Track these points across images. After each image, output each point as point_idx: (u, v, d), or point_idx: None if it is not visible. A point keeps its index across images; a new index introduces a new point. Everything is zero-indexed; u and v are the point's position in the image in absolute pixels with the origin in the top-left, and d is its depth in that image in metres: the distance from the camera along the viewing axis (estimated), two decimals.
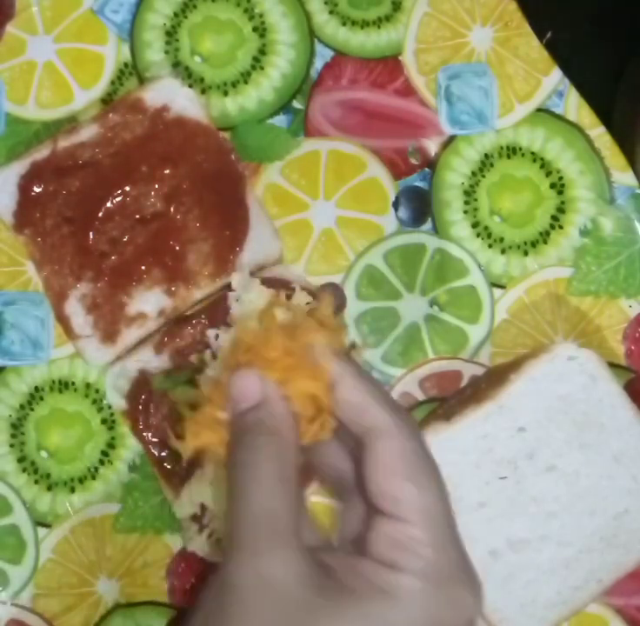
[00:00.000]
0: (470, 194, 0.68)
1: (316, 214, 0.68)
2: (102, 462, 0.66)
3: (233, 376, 0.46)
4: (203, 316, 0.63)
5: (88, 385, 0.66)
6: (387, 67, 0.68)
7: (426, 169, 0.68)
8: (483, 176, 0.68)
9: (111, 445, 0.66)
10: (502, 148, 0.68)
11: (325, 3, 0.68)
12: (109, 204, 0.64)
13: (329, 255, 0.68)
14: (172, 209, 0.64)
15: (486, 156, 0.68)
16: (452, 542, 0.42)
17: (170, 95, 0.65)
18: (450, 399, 0.66)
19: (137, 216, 0.64)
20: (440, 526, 0.42)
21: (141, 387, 0.63)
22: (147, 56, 0.68)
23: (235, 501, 0.42)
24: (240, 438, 0.44)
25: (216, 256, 0.64)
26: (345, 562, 0.42)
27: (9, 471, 0.66)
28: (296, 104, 0.68)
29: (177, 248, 0.64)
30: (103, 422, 0.66)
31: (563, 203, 0.68)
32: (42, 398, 0.66)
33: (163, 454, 0.63)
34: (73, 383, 0.66)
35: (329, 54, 0.68)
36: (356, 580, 0.40)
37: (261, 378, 0.45)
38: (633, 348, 0.67)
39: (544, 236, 0.68)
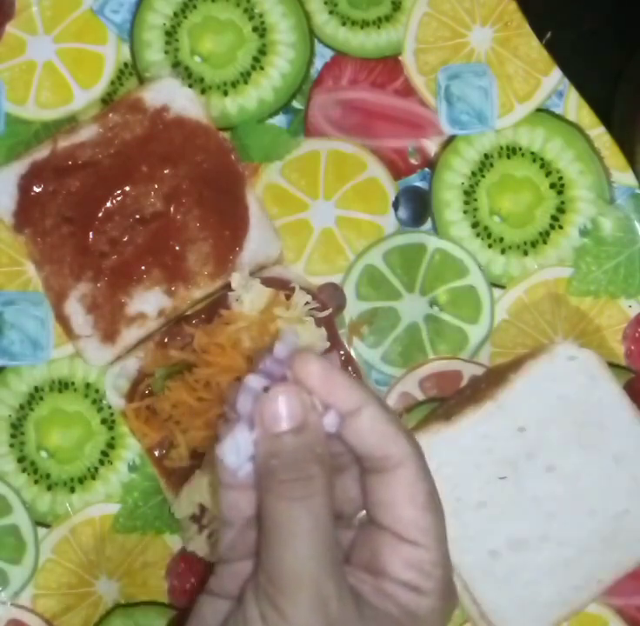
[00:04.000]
0: (469, 194, 0.68)
1: (316, 214, 0.68)
2: (102, 462, 0.66)
3: (272, 391, 0.42)
4: (203, 316, 0.63)
5: (88, 385, 0.66)
6: (387, 67, 0.68)
7: (426, 169, 0.68)
8: (483, 176, 0.68)
9: (111, 445, 0.66)
10: (502, 148, 0.68)
11: (325, 3, 0.68)
12: (109, 204, 0.64)
13: (329, 255, 0.68)
14: (172, 209, 0.64)
15: (486, 156, 0.68)
16: (448, 559, 0.44)
17: (170, 95, 0.65)
18: (450, 399, 0.66)
19: (137, 216, 0.64)
20: (444, 547, 0.44)
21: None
22: (147, 56, 0.68)
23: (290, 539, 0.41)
24: (286, 465, 0.41)
25: (216, 256, 0.64)
26: (369, 583, 0.43)
27: (9, 471, 0.66)
28: (296, 104, 0.68)
29: (177, 248, 0.64)
30: (103, 422, 0.66)
31: (562, 203, 0.68)
32: (42, 398, 0.66)
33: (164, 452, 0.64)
34: (73, 383, 0.66)
35: (329, 54, 0.68)
36: (385, 601, 0.42)
37: (303, 396, 0.42)
38: (633, 348, 0.67)
39: (544, 236, 0.68)
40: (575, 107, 0.68)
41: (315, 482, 0.41)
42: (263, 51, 0.68)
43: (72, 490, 0.66)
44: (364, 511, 0.45)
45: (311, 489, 0.41)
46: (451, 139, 0.68)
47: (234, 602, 0.44)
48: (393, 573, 0.43)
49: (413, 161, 0.68)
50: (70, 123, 0.66)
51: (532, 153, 0.68)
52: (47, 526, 0.66)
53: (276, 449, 0.42)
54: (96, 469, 0.66)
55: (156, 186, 0.64)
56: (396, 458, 0.43)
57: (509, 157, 0.68)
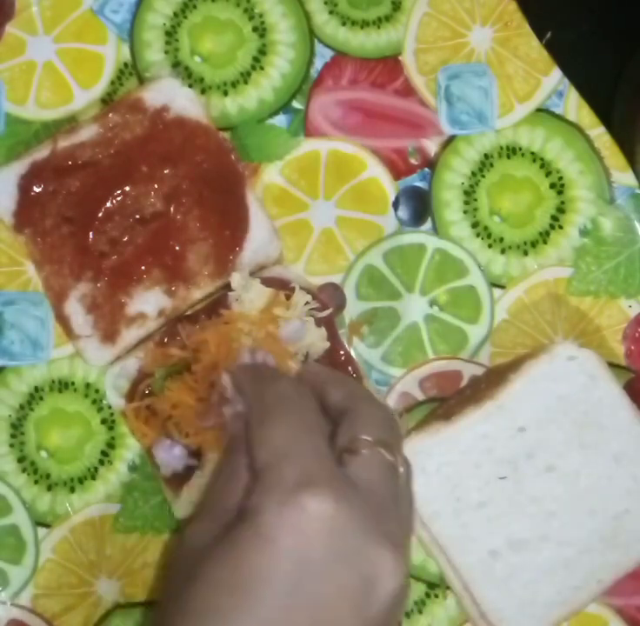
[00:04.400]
0: (469, 194, 0.68)
1: (315, 214, 0.68)
2: (102, 462, 0.66)
3: None
4: (203, 316, 0.63)
5: (88, 385, 0.66)
6: (387, 67, 0.68)
7: (426, 169, 0.68)
8: (483, 176, 0.68)
9: (111, 445, 0.66)
10: (501, 148, 0.68)
11: (325, 3, 0.68)
12: (109, 204, 0.64)
13: (329, 255, 0.68)
14: (172, 209, 0.64)
15: (486, 156, 0.68)
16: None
17: (170, 95, 0.65)
18: (450, 399, 0.66)
19: (137, 216, 0.64)
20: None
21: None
22: (147, 56, 0.68)
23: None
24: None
25: (216, 256, 0.64)
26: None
27: (9, 471, 0.66)
28: (296, 104, 0.68)
29: (177, 248, 0.64)
30: (103, 422, 0.66)
31: (562, 203, 0.68)
32: (42, 398, 0.66)
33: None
34: (73, 383, 0.66)
35: (329, 54, 0.68)
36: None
37: None
38: (633, 348, 0.67)
39: (544, 236, 0.68)
40: (575, 107, 0.68)
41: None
42: (263, 51, 0.68)
43: (72, 490, 0.66)
44: None
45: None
46: (451, 139, 0.68)
47: None
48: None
49: (413, 161, 0.68)
50: (70, 123, 0.66)
51: (532, 153, 0.68)
52: (47, 526, 0.66)
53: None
54: (96, 469, 0.66)
55: (156, 186, 0.64)
56: None
57: (509, 157, 0.68)
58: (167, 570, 0.51)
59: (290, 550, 0.45)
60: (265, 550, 0.46)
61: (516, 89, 0.68)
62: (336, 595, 0.46)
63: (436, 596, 0.66)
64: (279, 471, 0.47)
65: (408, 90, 0.68)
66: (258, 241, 0.65)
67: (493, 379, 0.65)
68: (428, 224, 0.68)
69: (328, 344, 0.63)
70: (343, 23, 0.68)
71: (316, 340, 0.62)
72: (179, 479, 0.62)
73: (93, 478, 0.66)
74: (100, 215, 0.64)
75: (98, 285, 0.64)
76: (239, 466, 0.51)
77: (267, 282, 0.63)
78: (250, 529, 0.46)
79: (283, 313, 0.62)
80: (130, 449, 0.66)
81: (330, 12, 0.68)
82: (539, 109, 0.68)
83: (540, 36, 0.68)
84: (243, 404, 0.55)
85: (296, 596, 0.45)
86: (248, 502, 0.48)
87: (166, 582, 0.51)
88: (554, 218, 0.68)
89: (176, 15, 0.68)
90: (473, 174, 0.68)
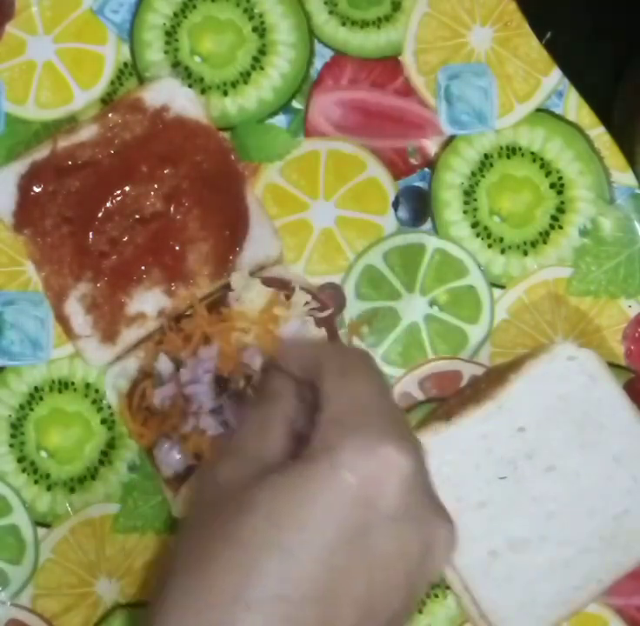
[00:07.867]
0: (469, 194, 0.68)
1: (315, 214, 0.68)
2: (101, 463, 0.66)
3: None
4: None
5: (88, 385, 0.66)
6: (387, 67, 0.68)
7: (426, 169, 0.68)
8: (483, 176, 0.68)
9: (111, 445, 0.66)
10: (501, 148, 0.68)
11: (325, 3, 0.68)
12: (108, 204, 0.64)
13: (328, 255, 0.68)
14: (172, 209, 0.64)
15: (486, 156, 0.68)
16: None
17: (170, 95, 0.65)
18: (450, 399, 0.67)
19: (137, 216, 0.64)
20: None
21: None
22: (147, 56, 0.68)
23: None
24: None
25: (215, 256, 0.64)
26: None
27: (8, 471, 0.66)
28: (296, 104, 0.68)
29: (177, 248, 0.64)
30: (103, 422, 0.66)
31: (562, 203, 0.68)
32: (41, 398, 0.66)
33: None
34: (73, 383, 0.66)
35: (328, 54, 0.68)
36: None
37: None
38: (633, 348, 0.67)
39: (544, 236, 0.68)
40: (575, 107, 0.68)
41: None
42: (263, 51, 0.68)
43: (72, 490, 0.66)
44: None
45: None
46: (451, 139, 0.68)
47: None
48: None
49: (413, 161, 0.68)
50: (70, 123, 0.66)
51: (532, 153, 0.68)
52: (47, 526, 0.66)
53: None
54: (96, 469, 0.66)
55: (156, 186, 0.64)
56: None
57: (509, 157, 0.68)
58: (189, 505, 0.52)
59: (363, 497, 0.44)
60: (338, 490, 0.44)
61: (515, 89, 0.68)
62: (397, 555, 0.45)
63: (436, 596, 0.66)
64: (365, 418, 0.46)
65: (408, 90, 0.68)
66: (258, 241, 0.65)
67: (493, 379, 0.65)
68: (428, 224, 0.68)
69: None
70: (343, 23, 0.68)
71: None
72: (180, 479, 0.62)
73: (93, 478, 0.66)
74: (100, 215, 0.64)
75: (98, 285, 0.64)
76: (276, 417, 0.51)
77: (267, 282, 0.63)
78: (327, 465, 0.44)
79: (283, 313, 0.62)
80: (129, 449, 0.66)
81: (330, 12, 0.68)
82: (539, 109, 0.68)
83: (540, 36, 0.68)
84: (293, 363, 0.54)
85: (358, 544, 0.44)
86: (322, 442, 0.46)
87: (191, 514, 0.50)
88: (554, 218, 0.68)
89: (176, 15, 0.68)
90: (473, 174, 0.68)
